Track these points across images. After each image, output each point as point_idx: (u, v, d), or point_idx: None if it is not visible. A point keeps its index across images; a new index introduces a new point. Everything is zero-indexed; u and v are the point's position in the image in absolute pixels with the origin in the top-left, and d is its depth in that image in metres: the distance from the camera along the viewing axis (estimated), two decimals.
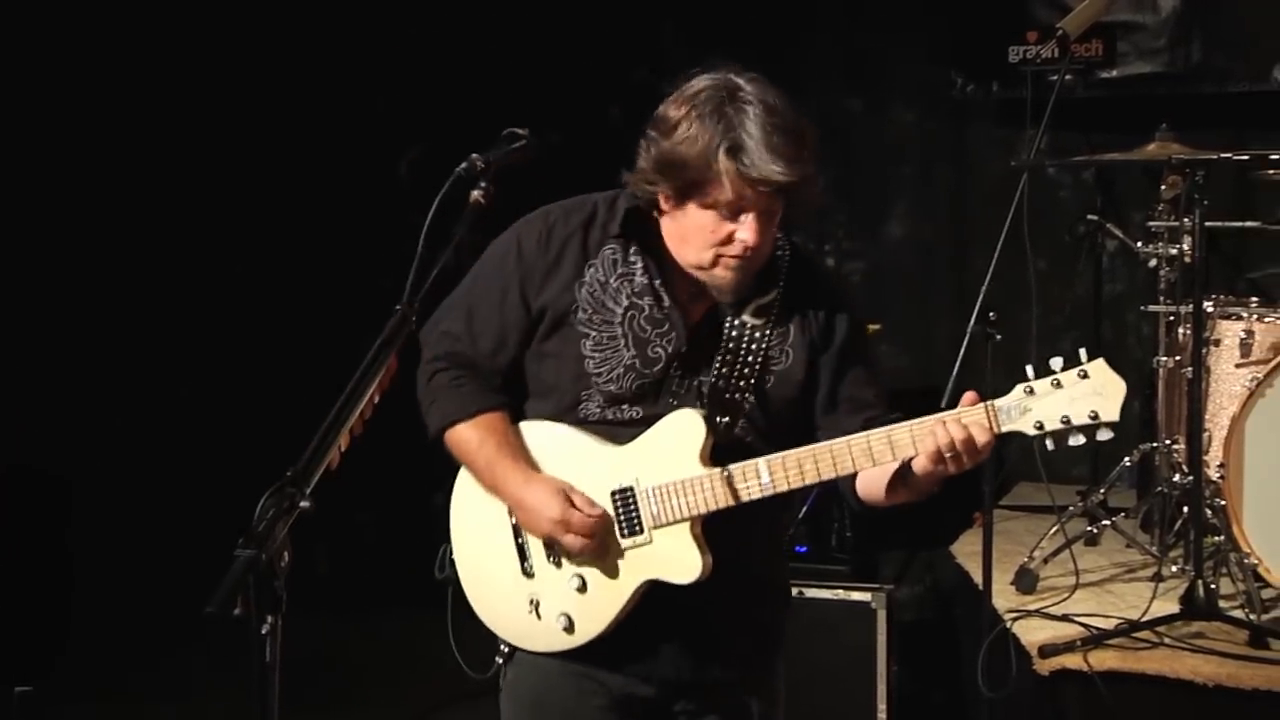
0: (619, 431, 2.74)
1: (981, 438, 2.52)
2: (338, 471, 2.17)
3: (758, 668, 2.93)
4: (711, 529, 2.70)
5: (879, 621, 4.52)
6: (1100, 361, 2.51)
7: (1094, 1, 4.51)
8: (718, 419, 2.71)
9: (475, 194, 2.50)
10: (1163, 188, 5.06)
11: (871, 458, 2.59)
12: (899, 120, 6.89)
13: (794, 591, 4.50)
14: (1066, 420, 2.50)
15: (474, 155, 2.53)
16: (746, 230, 2.61)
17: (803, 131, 2.61)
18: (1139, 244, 5.24)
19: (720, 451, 2.69)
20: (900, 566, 5.32)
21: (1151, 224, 5.18)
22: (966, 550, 5.24)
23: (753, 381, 2.74)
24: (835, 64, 6.89)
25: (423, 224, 2.41)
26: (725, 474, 2.65)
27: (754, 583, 2.86)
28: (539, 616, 2.80)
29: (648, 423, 2.72)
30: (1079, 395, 2.50)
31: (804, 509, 5.40)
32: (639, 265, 2.76)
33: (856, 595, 4.54)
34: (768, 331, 2.75)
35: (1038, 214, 4.24)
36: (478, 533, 2.87)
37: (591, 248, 2.78)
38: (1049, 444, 2.54)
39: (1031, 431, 2.52)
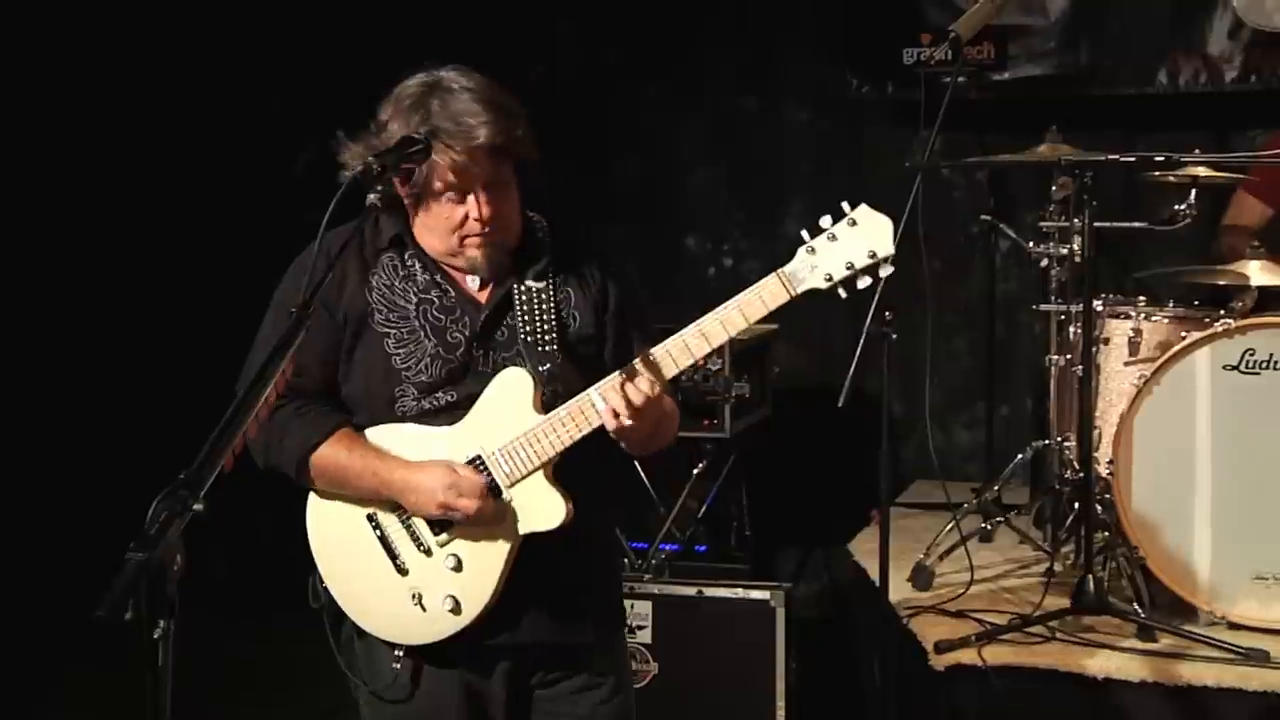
0: (439, 417, 2.83)
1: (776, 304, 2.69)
2: (233, 473, 2.15)
3: (604, 625, 3.04)
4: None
5: (778, 619, 4.54)
6: (864, 207, 2.69)
7: (985, 5, 4.56)
8: (539, 367, 2.81)
9: (371, 197, 2.52)
10: (1053, 189, 5.12)
11: (689, 351, 2.74)
12: (794, 120, 6.91)
13: (693, 590, 4.57)
14: (851, 265, 2.67)
15: (370, 158, 2.54)
16: (475, 207, 2.74)
17: (507, 104, 2.74)
18: (1031, 244, 5.32)
19: (549, 401, 2.80)
20: (798, 564, 5.36)
21: (1043, 224, 5.25)
22: (863, 548, 5.28)
23: (554, 335, 2.84)
24: (730, 63, 6.89)
25: (318, 224, 2.40)
26: (563, 414, 2.76)
27: (592, 542, 2.96)
28: (424, 608, 2.85)
29: (461, 404, 2.81)
30: (853, 240, 2.67)
31: (703, 508, 5.43)
32: (416, 265, 2.86)
33: (755, 593, 4.56)
34: (553, 293, 2.87)
35: (932, 214, 4.28)
36: (341, 551, 2.91)
37: (369, 260, 2.87)
38: (841, 293, 2.70)
39: (824, 285, 2.69)
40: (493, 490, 2.79)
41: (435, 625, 2.85)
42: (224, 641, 5.38)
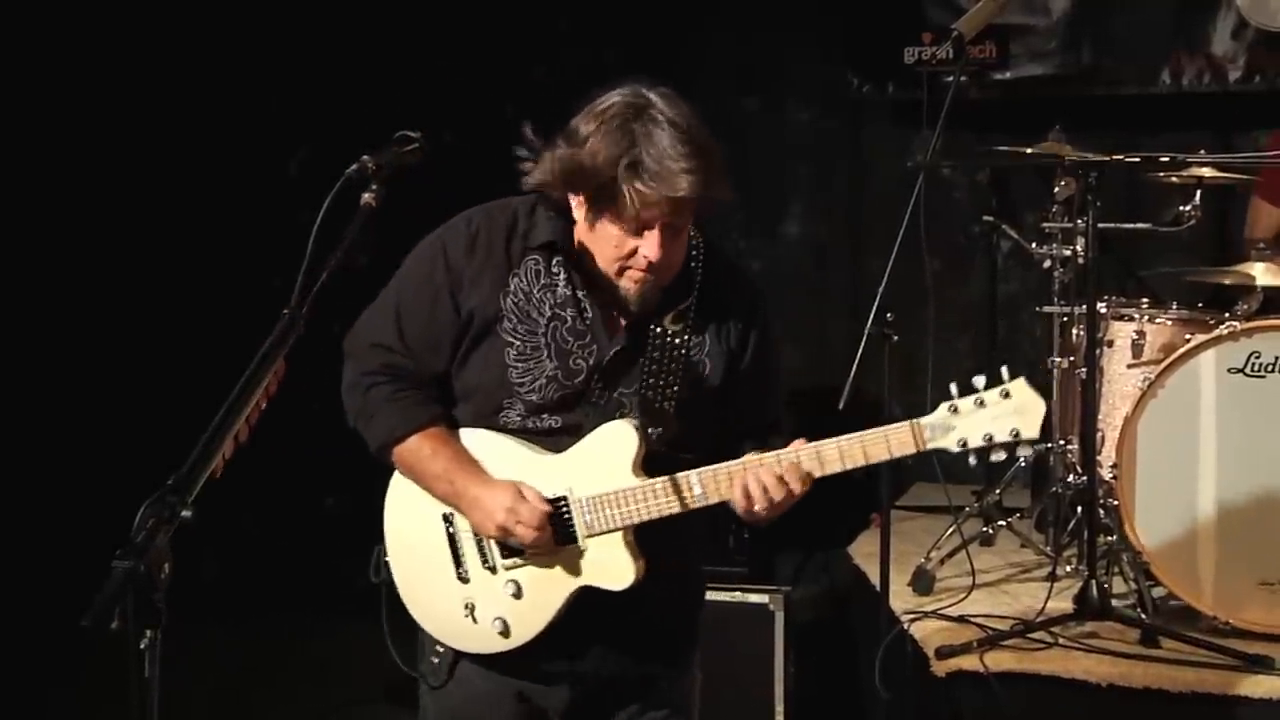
0: (539, 439, 2.77)
1: (902, 452, 2.60)
2: (223, 478, 2.10)
3: (676, 660, 2.98)
4: (638, 527, 2.74)
5: (777, 623, 4.52)
6: (1021, 381, 2.58)
7: (987, 4, 4.52)
8: (649, 429, 2.73)
9: (366, 196, 2.48)
10: (1056, 189, 5.09)
11: (798, 469, 2.64)
12: (795, 120, 6.89)
13: None
14: (989, 438, 2.58)
15: (365, 157, 2.50)
16: (649, 246, 2.64)
17: (708, 148, 2.65)
18: (1033, 245, 5.29)
19: (651, 461, 2.72)
20: (797, 568, 5.33)
21: (1045, 225, 5.22)
22: (864, 551, 5.24)
23: (676, 389, 2.77)
24: (731, 63, 6.87)
25: (312, 223, 2.36)
26: (658, 486, 2.69)
27: (674, 578, 2.88)
28: (475, 620, 2.83)
29: (566, 432, 2.76)
30: (1001, 414, 2.57)
31: None
32: (561, 276, 2.77)
33: (754, 597, 4.53)
34: (687, 338, 2.79)
35: (933, 215, 4.25)
36: (412, 538, 2.88)
37: (514, 257, 2.78)
38: (972, 459, 2.61)
39: (955, 448, 2.59)
40: (569, 536, 2.74)
41: (480, 639, 2.84)
42: (216, 643, 5.35)
